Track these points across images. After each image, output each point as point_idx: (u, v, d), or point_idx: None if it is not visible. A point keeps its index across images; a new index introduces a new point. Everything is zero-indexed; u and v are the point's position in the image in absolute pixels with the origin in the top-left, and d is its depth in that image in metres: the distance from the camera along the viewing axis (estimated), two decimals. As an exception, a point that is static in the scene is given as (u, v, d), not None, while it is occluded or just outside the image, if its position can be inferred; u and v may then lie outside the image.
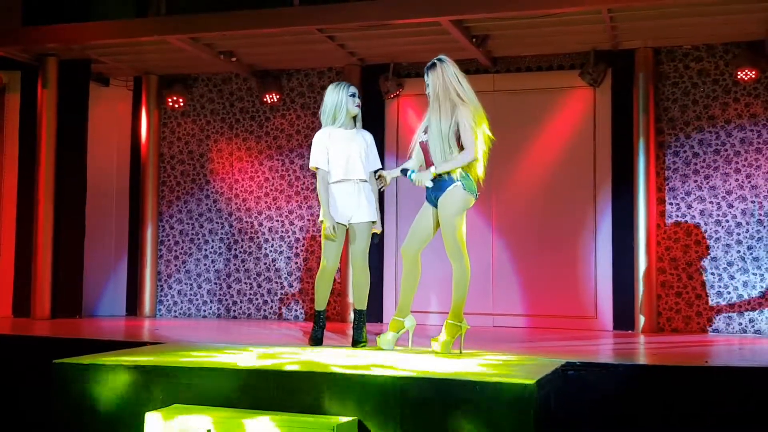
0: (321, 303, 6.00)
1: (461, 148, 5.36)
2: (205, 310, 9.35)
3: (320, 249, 6.05)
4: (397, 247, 8.74)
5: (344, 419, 4.06)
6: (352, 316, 8.35)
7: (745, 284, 7.87)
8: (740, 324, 7.85)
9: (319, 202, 8.94)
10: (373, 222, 5.94)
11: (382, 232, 6.42)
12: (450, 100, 5.40)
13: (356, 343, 5.89)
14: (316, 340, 5.96)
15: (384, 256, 8.75)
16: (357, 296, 5.99)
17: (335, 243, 5.88)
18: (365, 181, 5.93)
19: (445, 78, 5.43)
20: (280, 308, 9.09)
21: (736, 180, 7.95)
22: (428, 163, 5.51)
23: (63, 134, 8.75)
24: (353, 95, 5.93)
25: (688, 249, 8.04)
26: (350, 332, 6.19)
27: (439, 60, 5.50)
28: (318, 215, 8.99)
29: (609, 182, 8.25)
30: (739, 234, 7.92)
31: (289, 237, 9.08)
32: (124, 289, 9.54)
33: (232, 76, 9.43)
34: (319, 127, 6.04)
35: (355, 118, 5.99)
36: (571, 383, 4.86)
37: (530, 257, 8.42)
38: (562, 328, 8.09)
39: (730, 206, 7.95)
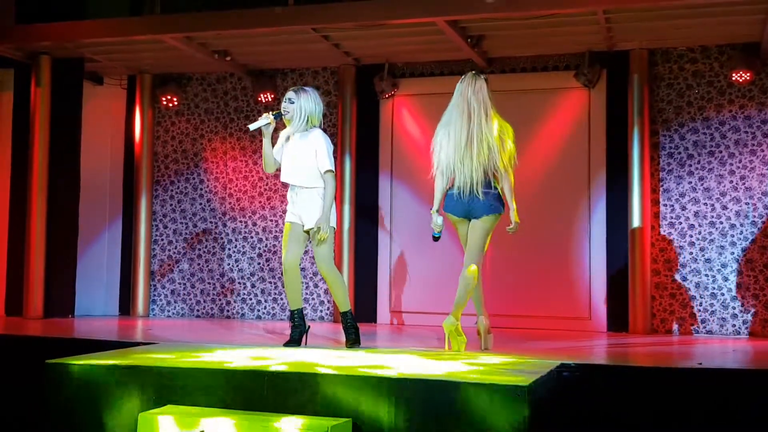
0: (290, 302, 6.00)
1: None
2: (198, 310, 9.32)
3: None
4: (391, 248, 8.72)
5: (338, 420, 4.04)
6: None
7: (738, 286, 7.88)
8: (734, 326, 7.85)
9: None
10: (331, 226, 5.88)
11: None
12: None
13: (348, 343, 5.88)
14: (291, 342, 5.90)
15: (378, 257, 8.73)
16: (334, 299, 6.01)
17: (290, 239, 5.98)
18: (308, 186, 5.86)
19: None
20: (273, 308, 9.06)
21: (731, 182, 7.96)
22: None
23: (56, 133, 8.70)
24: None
25: (682, 250, 8.05)
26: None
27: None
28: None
29: (603, 183, 8.25)
30: (733, 236, 7.92)
31: (282, 237, 9.04)
32: (117, 289, 9.49)
33: (227, 76, 9.40)
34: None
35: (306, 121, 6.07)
36: (565, 385, 4.85)
37: (524, 258, 8.41)
38: (556, 329, 8.08)
39: (725, 208, 7.96)
